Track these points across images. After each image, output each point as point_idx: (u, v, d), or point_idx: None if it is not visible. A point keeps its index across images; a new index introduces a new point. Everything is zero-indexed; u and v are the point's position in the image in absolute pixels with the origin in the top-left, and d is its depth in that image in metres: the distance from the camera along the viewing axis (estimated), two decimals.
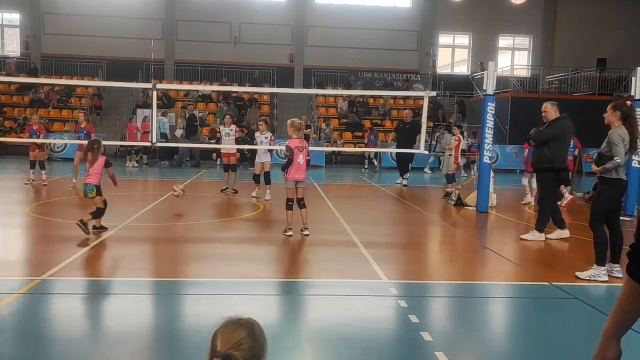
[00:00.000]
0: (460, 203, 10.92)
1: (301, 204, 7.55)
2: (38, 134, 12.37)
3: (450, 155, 12.42)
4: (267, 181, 10.97)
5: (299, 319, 4.61)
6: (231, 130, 11.87)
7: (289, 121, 7.68)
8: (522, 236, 7.89)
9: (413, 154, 14.27)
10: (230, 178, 11.74)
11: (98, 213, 7.28)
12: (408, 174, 14.89)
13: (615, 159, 5.84)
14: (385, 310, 4.81)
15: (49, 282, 5.24)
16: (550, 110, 7.67)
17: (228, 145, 11.72)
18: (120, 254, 6.55)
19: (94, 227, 7.36)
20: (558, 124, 7.58)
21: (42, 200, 10.45)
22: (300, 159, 7.47)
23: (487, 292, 5.65)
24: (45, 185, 12.01)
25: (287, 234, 7.40)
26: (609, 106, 6.10)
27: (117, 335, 4.05)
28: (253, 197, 11.11)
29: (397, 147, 14.61)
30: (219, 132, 12.19)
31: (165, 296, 5.13)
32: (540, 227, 7.74)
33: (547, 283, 5.69)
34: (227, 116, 12.48)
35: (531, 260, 6.77)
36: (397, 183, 14.86)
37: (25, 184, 11.99)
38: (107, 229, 7.45)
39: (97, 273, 5.61)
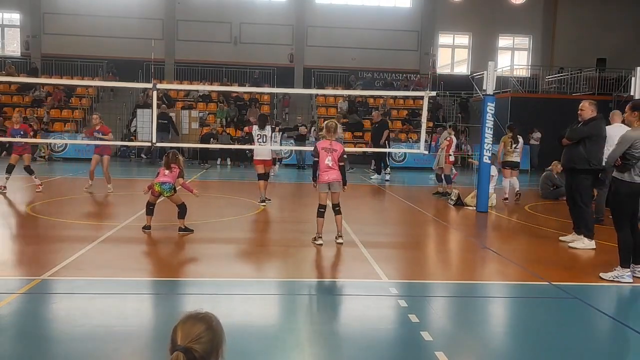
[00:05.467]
0: (460, 203, 10.93)
1: (336, 209, 7.05)
2: (22, 132, 11.00)
3: (442, 154, 12.44)
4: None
5: (299, 319, 4.61)
6: (265, 133, 10.00)
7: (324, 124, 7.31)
8: (570, 244, 7.48)
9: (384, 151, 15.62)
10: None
11: (184, 210, 7.50)
12: (389, 169, 16.05)
13: (605, 159, 5.83)
14: (385, 310, 4.81)
15: (49, 282, 5.24)
16: (587, 109, 7.33)
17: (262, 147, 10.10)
18: (120, 253, 6.54)
19: (180, 230, 7.44)
20: (595, 123, 7.26)
21: (42, 200, 10.44)
22: (329, 160, 6.92)
23: (487, 292, 5.66)
24: (39, 191, 10.95)
25: (317, 242, 6.98)
26: (627, 106, 5.99)
27: (117, 335, 4.05)
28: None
29: (372, 146, 16.19)
30: (246, 134, 10.71)
31: (165, 296, 5.13)
32: (589, 234, 7.36)
33: (547, 283, 5.69)
34: (265, 117, 10.48)
35: (531, 260, 6.77)
36: (372, 178, 15.85)
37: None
38: (192, 231, 7.52)
39: (97, 273, 5.61)
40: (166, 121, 18.67)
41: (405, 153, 20.20)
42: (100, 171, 11.55)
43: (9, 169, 10.96)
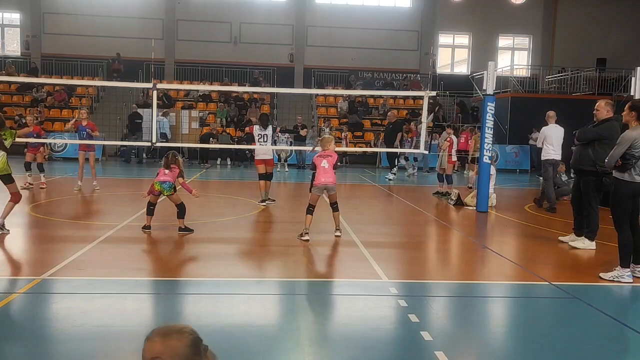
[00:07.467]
0: (460, 203, 10.93)
1: (334, 207, 7.50)
2: (35, 135, 11.51)
3: (444, 155, 12.45)
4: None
5: (299, 319, 4.61)
6: (267, 133, 9.99)
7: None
8: (571, 243, 7.45)
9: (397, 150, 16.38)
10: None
11: (183, 210, 7.54)
12: (395, 169, 16.39)
13: (606, 160, 5.82)
14: (385, 310, 4.80)
15: (49, 282, 5.24)
16: (602, 109, 7.10)
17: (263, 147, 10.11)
18: (120, 253, 6.54)
19: (180, 229, 7.48)
20: (607, 125, 7.03)
21: (42, 200, 10.45)
22: (325, 164, 7.37)
23: (487, 292, 5.65)
24: (43, 188, 11.56)
25: (304, 238, 7.21)
26: (626, 105, 5.93)
27: (117, 335, 4.05)
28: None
29: (385, 146, 16.71)
30: (252, 133, 10.26)
31: (165, 296, 5.13)
32: (591, 235, 7.30)
33: (547, 283, 5.69)
34: (267, 117, 10.53)
35: (531, 260, 6.77)
36: (388, 175, 16.32)
37: (22, 187, 11.00)
38: (192, 230, 7.55)
39: (97, 273, 5.61)
40: (140, 120, 19.40)
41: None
42: (89, 170, 11.73)
43: (27, 167, 11.78)
